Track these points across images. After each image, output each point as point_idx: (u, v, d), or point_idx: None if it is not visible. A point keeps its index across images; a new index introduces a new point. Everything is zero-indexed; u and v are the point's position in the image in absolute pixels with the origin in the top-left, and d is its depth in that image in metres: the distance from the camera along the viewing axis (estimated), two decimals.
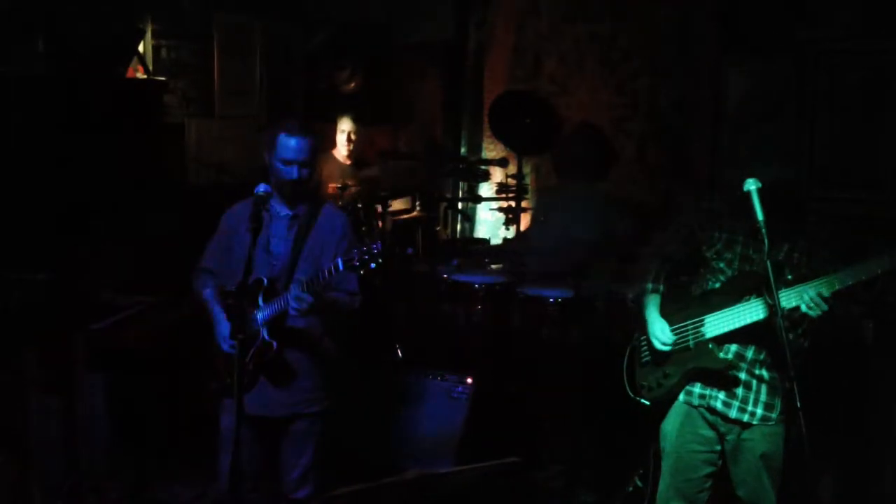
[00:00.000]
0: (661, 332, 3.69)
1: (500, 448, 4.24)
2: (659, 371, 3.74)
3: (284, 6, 7.90)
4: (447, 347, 5.51)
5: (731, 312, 3.53)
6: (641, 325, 3.81)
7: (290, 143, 3.83)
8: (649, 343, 3.76)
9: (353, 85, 8.22)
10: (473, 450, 4.80)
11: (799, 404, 3.13)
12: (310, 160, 3.88)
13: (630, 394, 3.85)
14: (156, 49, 6.98)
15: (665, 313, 3.73)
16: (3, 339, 4.58)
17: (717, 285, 3.63)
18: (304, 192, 3.97)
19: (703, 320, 3.61)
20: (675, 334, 3.68)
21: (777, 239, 3.35)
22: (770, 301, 3.35)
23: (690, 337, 3.65)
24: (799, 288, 3.33)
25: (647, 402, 3.79)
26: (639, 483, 4.38)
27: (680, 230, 3.82)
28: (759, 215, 3.26)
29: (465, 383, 5.02)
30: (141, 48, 6.69)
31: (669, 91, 6.47)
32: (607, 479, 4.85)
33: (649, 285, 3.81)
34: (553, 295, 5.25)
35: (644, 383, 3.80)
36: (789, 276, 3.44)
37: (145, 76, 6.68)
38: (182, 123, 7.18)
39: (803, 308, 3.32)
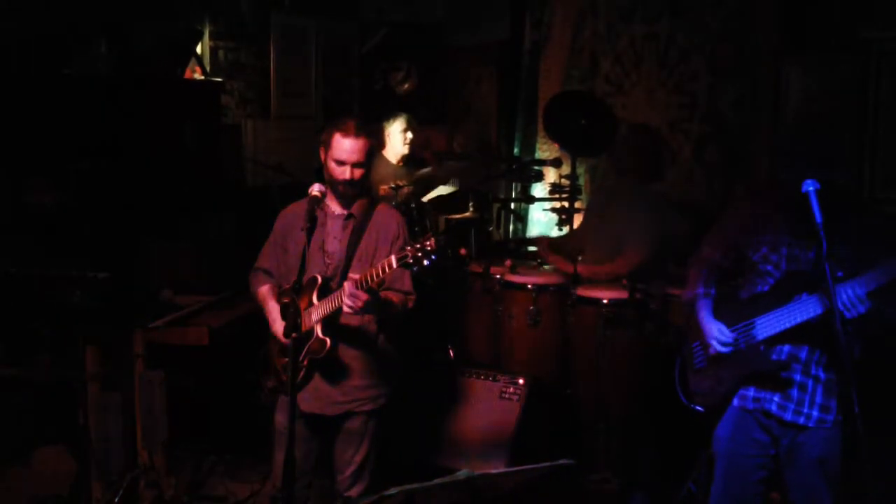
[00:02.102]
0: (719, 333, 3.64)
1: (552, 450, 4.23)
2: (712, 377, 3.70)
3: (341, 7, 7.95)
4: (499, 348, 5.50)
5: (780, 313, 3.48)
6: (694, 332, 3.77)
7: (344, 144, 3.87)
8: (704, 348, 3.72)
9: (408, 85, 8.24)
10: (526, 451, 4.78)
11: (857, 408, 3.08)
12: (363, 161, 3.91)
13: (684, 401, 3.82)
14: (213, 50, 7.08)
15: (715, 317, 3.69)
16: (65, 335, 4.67)
17: (766, 288, 3.58)
18: (357, 191, 3.99)
19: (753, 323, 3.57)
20: None
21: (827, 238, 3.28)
22: (826, 301, 3.28)
23: (742, 340, 3.60)
24: (837, 287, 3.25)
25: (702, 409, 3.75)
26: (692, 488, 4.33)
27: (723, 238, 3.79)
28: (818, 217, 3.21)
29: (517, 384, 5.01)
30: (199, 49, 6.78)
31: (728, 91, 6.39)
32: (661, 482, 4.80)
33: (700, 290, 3.77)
34: (607, 296, 5.21)
35: (698, 390, 3.76)
36: (840, 273, 3.35)
37: (203, 77, 6.76)
38: (239, 124, 7.26)
39: (840, 308, 3.23)
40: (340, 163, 3.89)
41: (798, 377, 3.51)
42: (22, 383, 4.83)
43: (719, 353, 3.65)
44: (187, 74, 6.62)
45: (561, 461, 3.30)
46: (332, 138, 3.89)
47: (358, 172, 3.91)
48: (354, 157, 3.88)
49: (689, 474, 4.38)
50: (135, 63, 5.90)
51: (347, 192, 3.95)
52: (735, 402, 3.66)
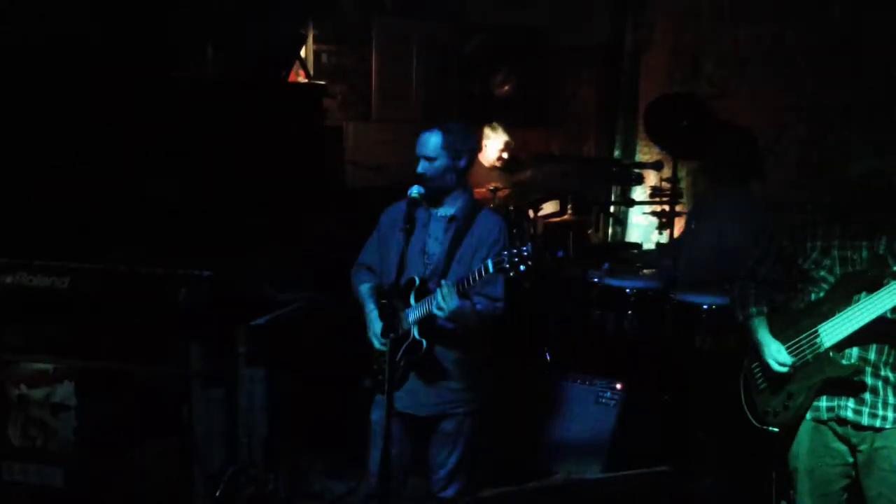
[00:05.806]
0: (777, 353, 3.56)
1: (650, 456, 4.19)
2: (781, 393, 3.60)
3: (441, 10, 8.00)
4: (597, 352, 5.46)
5: (844, 317, 3.41)
6: (753, 352, 3.70)
7: (419, 138, 3.96)
8: (764, 368, 3.63)
9: (507, 88, 8.23)
10: (623, 457, 4.74)
11: None
12: (433, 155, 3.93)
13: (755, 424, 3.71)
14: (316, 54, 7.20)
15: (773, 333, 3.61)
16: (170, 332, 4.79)
17: (822, 294, 3.51)
18: (437, 188, 3.98)
19: (816, 331, 3.49)
20: (791, 353, 3.56)
21: (874, 232, 3.22)
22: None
23: (807, 351, 3.52)
24: None
25: (776, 429, 3.65)
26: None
27: (769, 250, 3.72)
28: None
29: (615, 389, 4.97)
30: (302, 53, 6.90)
31: (836, 94, 6.24)
32: (758, 491, 4.71)
33: (753, 309, 3.69)
34: (707, 302, 5.12)
35: (768, 409, 3.65)
36: (895, 268, 3.31)
37: (306, 80, 6.88)
38: (341, 126, 7.36)
39: None
40: (417, 157, 3.97)
41: (869, 380, 3.45)
42: (128, 379, 4.96)
43: (781, 373, 3.57)
44: (291, 77, 6.74)
45: (658, 468, 3.28)
46: None
47: (429, 167, 3.94)
48: (424, 151, 3.94)
49: (783, 492, 4.26)
50: (241, 67, 6.03)
51: (427, 187, 3.93)
52: (808, 415, 3.57)
